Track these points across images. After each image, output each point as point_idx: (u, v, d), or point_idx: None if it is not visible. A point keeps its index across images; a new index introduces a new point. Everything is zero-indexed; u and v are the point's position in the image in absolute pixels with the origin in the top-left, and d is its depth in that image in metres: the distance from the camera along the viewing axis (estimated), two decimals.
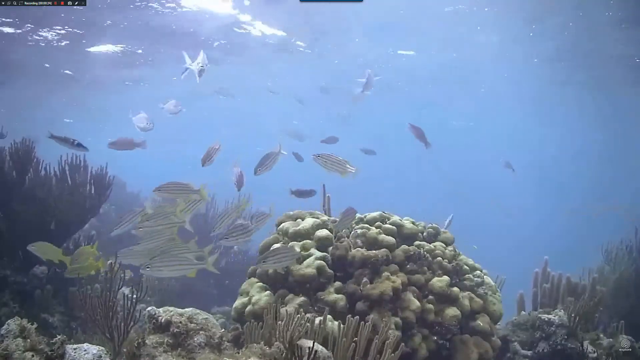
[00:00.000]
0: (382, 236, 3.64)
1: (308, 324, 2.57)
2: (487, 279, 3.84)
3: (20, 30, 9.65)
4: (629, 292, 5.04)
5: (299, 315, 2.56)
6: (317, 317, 3.01)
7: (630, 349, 3.93)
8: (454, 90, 15.28)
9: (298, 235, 3.69)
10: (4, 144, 4.98)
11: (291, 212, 4.09)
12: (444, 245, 3.87)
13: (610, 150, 21.76)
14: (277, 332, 2.53)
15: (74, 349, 2.53)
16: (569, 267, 5.06)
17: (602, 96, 14.48)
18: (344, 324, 2.63)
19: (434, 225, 4.05)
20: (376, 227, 3.73)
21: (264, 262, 3.17)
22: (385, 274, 3.38)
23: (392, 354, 2.47)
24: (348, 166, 3.59)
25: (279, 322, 2.57)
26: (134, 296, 2.93)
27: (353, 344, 2.53)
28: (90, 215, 5.16)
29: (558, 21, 9.37)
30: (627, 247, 5.46)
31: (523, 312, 4.71)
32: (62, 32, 9.86)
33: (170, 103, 5.75)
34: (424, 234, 3.97)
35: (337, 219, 3.66)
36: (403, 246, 3.65)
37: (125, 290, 3.33)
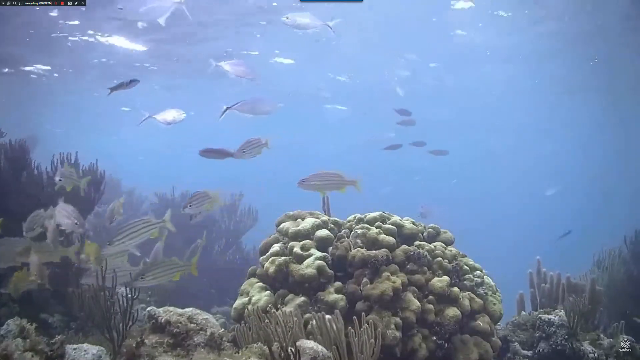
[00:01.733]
0: (382, 236, 3.64)
1: (297, 323, 2.57)
2: (487, 279, 3.84)
3: None
4: (621, 295, 5.09)
5: (290, 314, 2.57)
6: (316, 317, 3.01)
7: (630, 349, 3.93)
8: (452, 86, 15.27)
9: (298, 235, 3.69)
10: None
11: (291, 212, 4.09)
12: (444, 246, 3.87)
13: (612, 150, 21.76)
14: (271, 334, 2.53)
15: (74, 349, 2.53)
16: (563, 270, 5.06)
17: (608, 97, 14.47)
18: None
19: (434, 225, 4.05)
20: (376, 227, 3.73)
21: (142, 278, 2.91)
22: (386, 274, 3.38)
23: (372, 341, 2.48)
24: (262, 142, 3.41)
25: (266, 322, 2.57)
26: (130, 295, 2.92)
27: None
28: (86, 212, 5.16)
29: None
30: (619, 253, 5.54)
31: (523, 312, 4.71)
32: None
33: (168, 113, 4.64)
34: (424, 234, 3.97)
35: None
36: (403, 246, 3.65)
37: (123, 289, 3.32)
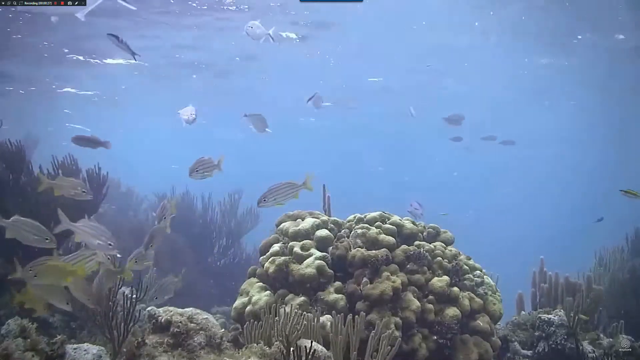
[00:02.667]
0: (382, 236, 3.64)
1: (305, 322, 2.58)
2: (487, 279, 3.85)
3: None
4: (624, 292, 5.08)
5: (296, 314, 2.57)
6: (317, 316, 3.01)
7: (630, 349, 3.93)
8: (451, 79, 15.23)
9: (298, 235, 3.70)
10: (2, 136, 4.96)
11: (291, 212, 4.10)
12: (444, 245, 3.87)
13: (612, 151, 21.75)
14: (276, 332, 2.54)
15: (74, 348, 2.54)
16: (563, 269, 5.06)
17: (606, 93, 14.45)
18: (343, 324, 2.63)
19: (434, 225, 4.05)
20: (376, 227, 3.73)
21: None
22: (385, 274, 3.38)
23: (389, 347, 2.48)
24: (213, 164, 3.34)
25: (277, 320, 2.58)
26: (134, 296, 2.92)
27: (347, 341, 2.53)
28: (89, 215, 5.15)
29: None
30: (621, 251, 5.54)
31: (523, 312, 4.71)
32: None
33: (186, 110, 4.88)
34: (424, 234, 3.97)
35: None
36: (403, 246, 3.66)
37: (125, 290, 3.32)
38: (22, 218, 2.85)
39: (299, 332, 2.48)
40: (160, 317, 2.76)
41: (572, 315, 3.98)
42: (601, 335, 4.16)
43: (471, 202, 29.21)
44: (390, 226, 3.77)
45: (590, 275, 4.81)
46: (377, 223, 3.80)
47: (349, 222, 3.98)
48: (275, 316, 2.68)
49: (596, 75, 12.77)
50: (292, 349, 2.41)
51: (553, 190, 30.02)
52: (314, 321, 2.68)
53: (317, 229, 3.72)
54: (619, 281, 5.23)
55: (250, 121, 4.97)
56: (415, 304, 3.33)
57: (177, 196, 8.18)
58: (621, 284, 5.20)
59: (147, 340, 2.62)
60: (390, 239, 3.64)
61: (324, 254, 3.53)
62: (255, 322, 2.76)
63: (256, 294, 3.46)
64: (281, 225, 3.91)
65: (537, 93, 15.39)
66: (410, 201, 4.83)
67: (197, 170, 3.27)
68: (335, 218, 4.07)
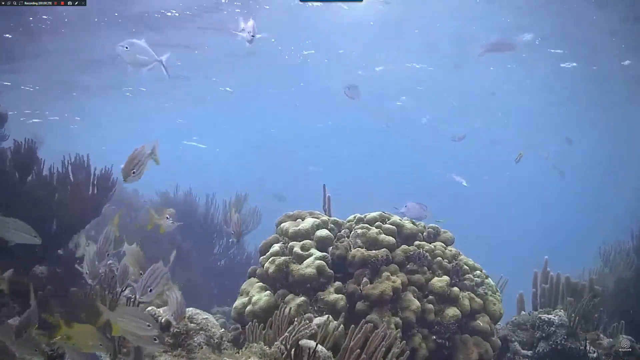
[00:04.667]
0: (382, 236, 3.64)
1: (314, 327, 2.58)
2: (487, 279, 3.85)
3: None
4: (630, 292, 5.06)
5: (299, 319, 2.57)
6: (316, 317, 3.02)
7: (630, 349, 3.93)
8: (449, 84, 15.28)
9: (298, 235, 3.70)
10: (6, 145, 4.96)
11: (291, 212, 4.10)
12: (444, 246, 3.87)
13: (605, 153, 21.77)
14: (282, 335, 2.54)
15: None
16: (566, 269, 5.06)
17: (598, 92, 14.47)
18: (343, 324, 2.63)
19: (434, 225, 4.05)
20: (376, 227, 3.74)
21: None
22: (385, 274, 3.38)
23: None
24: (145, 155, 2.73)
25: (283, 325, 2.58)
26: (135, 297, 2.92)
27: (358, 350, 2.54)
28: (93, 216, 5.16)
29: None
30: (625, 249, 5.50)
31: (523, 312, 4.71)
32: None
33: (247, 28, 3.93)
34: (424, 234, 3.97)
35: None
36: (403, 246, 3.66)
37: (126, 291, 3.32)
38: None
39: (306, 335, 2.49)
40: (160, 318, 2.76)
41: (573, 315, 3.98)
42: (601, 335, 4.16)
43: (470, 203, 29.23)
44: (390, 226, 3.77)
45: (593, 277, 4.80)
46: (377, 223, 3.80)
47: (349, 222, 3.98)
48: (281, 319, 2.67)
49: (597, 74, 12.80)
50: (292, 349, 2.41)
51: (552, 189, 30.02)
52: (321, 328, 2.66)
53: (317, 229, 3.72)
54: (625, 280, 5.20)
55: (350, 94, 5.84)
56: (415, 304, 3.33)
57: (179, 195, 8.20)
58: (626, 283, 5.17)
59: None
60: (390, 239, 3.64)
61: (324, 254, 3.53)
62: (258, 324, 2.76)
63: (256, 294, 3.46)
64: (281, 225, 3.91)
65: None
66: (404, 203, 4.66)
67: (133, 173, 2.59)
68: (335, 218, 4.07)
